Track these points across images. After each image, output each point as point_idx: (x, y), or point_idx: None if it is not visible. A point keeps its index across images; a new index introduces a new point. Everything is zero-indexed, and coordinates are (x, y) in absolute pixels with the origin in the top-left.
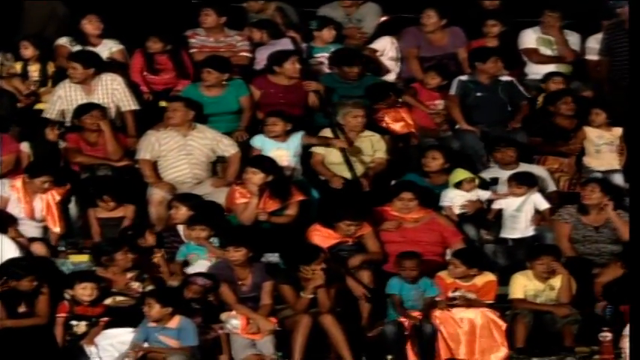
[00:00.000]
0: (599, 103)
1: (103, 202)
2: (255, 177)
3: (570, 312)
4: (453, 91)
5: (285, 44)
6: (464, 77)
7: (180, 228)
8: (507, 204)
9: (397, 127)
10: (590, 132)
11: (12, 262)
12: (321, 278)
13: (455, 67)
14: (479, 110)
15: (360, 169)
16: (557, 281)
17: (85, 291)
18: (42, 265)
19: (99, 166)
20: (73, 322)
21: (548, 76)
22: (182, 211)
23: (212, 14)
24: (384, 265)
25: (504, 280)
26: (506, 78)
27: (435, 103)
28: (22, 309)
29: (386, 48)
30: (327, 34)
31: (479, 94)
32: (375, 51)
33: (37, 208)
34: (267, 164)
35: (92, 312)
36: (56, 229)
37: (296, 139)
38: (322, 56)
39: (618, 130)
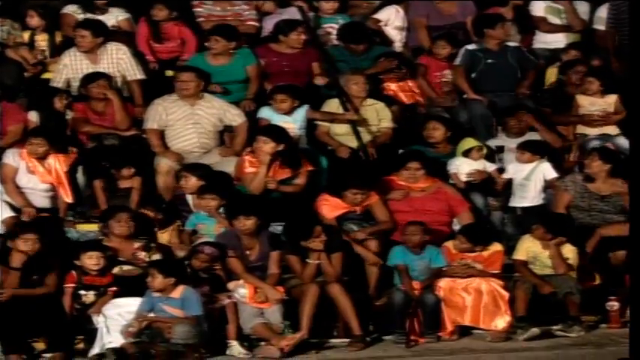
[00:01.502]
0: (597, 73)
1: (121, 172)
2: (267, 146)
3: (565, 280)
4: (458, 61)
5: (292, 13)
6: (471, 46)
7: (189, 198)
8: (516, 172)
9: (404, 97)
10: (583, 99)
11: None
12: (320, 247)
13: (464, 36)
14: (489, 77)
15: (366, 139)
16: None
17: (91, 260)
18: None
19: (106, 135)
20: (82, 292)
21: (566, 47)
22: (192, 181)
23: None
24: (391, 235)
25: (512, 250)
26: (513, 44)
27: (444, 73)
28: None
29: (391, 17)
30: (328, 4)
31: (489, 60)
32: (378, 21)
33: (44, 176)
34: (278, 133)
35: (100, 281)
36: (67, 198)
37: (301, 112)
38: (330, 26)
39: (612, 97)
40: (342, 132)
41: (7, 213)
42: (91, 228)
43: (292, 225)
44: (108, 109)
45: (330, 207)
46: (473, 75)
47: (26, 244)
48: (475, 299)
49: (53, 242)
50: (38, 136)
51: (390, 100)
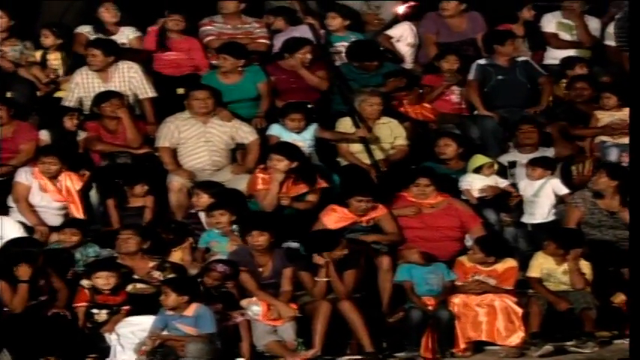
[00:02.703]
0: (613, 88)
1: (134, 189)
2: (281, 164)
3: (583, 296)
4: (472, 75)
5: (303, 31)
6: (482, 61)
7: (202, 215)
8: (525, 189)
9: (415, 113)
10: (602, 115)
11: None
12: (329, 264)
13: (474, 52)
14: (500, 93)
15: (379, 156)
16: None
17: (100, 280)
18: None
19: (118, 153)
20: (94, 311)
21: (572, 61)
22: (204, 199)
23: (232, 0)
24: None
25: (526, 266)
26: (522, 58)
27: (453, 89)
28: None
29: (404, 34)
30: (335, 22)
31: (499, 77)
32: (390, 37)
33: (56, 194)
34: (292, 151)
35: (113, 300)
36: (79, 214)
37: (311, 130)
38: (342, 45)
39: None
40: (356, 150)
41: (20, 232)
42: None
43: (313, 236)
44: (120, 128)
45: (335, 217)
46: (485, 89)
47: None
48: (489, 315)
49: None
50: (50, 155)
51: (402, 117)
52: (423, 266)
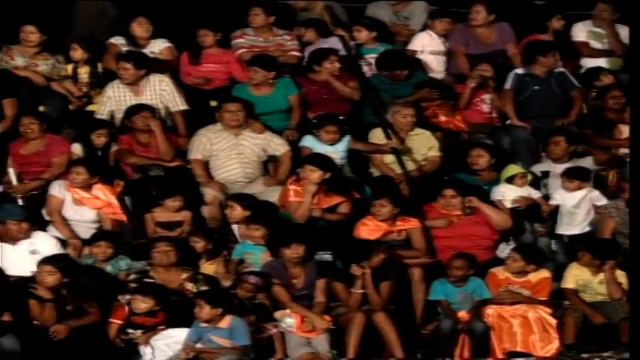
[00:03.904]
0: None
1: (168, 201)
2: (314, 174)
3: (620, 306)
4: (508, 85)
5: (333, 43)
6: (520, 70)
7: (235, 227)
8: (564, 200)
9: (447, 124)
10: (625, 128)
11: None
12: (366, 275)
13: (504, 62)
14: (534, 103)
15: (411, 167)
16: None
17: (139, 303)
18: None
19: (151, 166)
20: (129, 330)
21: (598, 70)
22: (237, 211)
23: (261, 14)
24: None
25: (561, 277)
26: (558, 69)
27: (483, 98)
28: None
29: (424, 43)
30: (362, 34)
31: (535, 87)
32: (414, 52)
33: (93, 202)
34: (325, 162)
35: (150, 322)
36: (122, 218)
37: (344, 142)
38: (371, 57)
39: None
40: (389, 161)
41: (55, 246)
42: None
43: (349, 246)
44: (152, 140)
45: (367, 230)
46: (519, 99)
47: (49, 277)
48: (523, 326)
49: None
50: (77, 165)
51: (434, 128)
52: (457, 287)
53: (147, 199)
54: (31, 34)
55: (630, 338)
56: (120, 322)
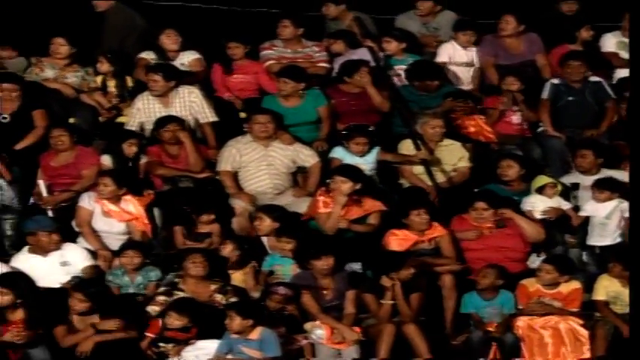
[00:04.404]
0: None
1: (201, 217)
2: (344, 186)
3: None
4: (545, 94)
5: (362, 54)
6: (556, 80)
7: (264, 239)
8: (595, 211)
9: (477, 135)
10: None
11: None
12: (396, 285)
13: (533, 73)
14: (568, 114)
15: (441, 179)
16: None
17: (173, 320)
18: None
19: (180, 178)
20: (161, 344)
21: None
22: (266, 223)
23: (289, 25)
24: (468, 275)
25: (592, 287)
26: (594, 79)
27: (514, 110)
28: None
29: (449, 53)
30: (391, 45)
31: (570, 98)
32: (443, 63)
33: (121, 215)
34: (355, 173)
35: (182, 336)
36: (148, 232)
37: (373, 153)
38: (400, 68)
39: None
40: (419, 172)
41: (86, 257)
42: None
43: (380, 257)
44: (181, 152)
45: (397, 240)
46: (555, 107)
47: (80, 304)
48: (555, 337)
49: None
50: (104, 176)
51: (464, 138)
52: (487, 300)
53: (176, 212)
54: (61, 46)
55: (630, 338)
56: (152, 335)
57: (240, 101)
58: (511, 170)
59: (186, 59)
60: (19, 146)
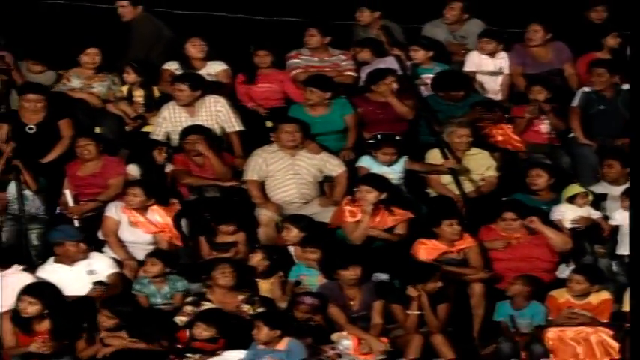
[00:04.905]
0: None
1: (223, 227)
2: (370, 195)
3: None
4: (575, 102)
5: (390, 62)
6: (587, 88)
7: (291, 248)
8: (626, 220)
9: (504, 144)
10: None
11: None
12: (423, 296)
13: (560, 82)
14: (599, 122)
15: (468, 188)
16: None
17: (201, 331)
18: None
19: (207, 187)
20: (188, 354)
21: None
22: (293, 233)
23: (316, 34)
24: (497, 284)
25: (621, 298)
26: (627, 87)
27: (542, 119)
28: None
29: (475, 62)
30: (419, 54)
31: (601, 106)
32: (471, 72)
33: (148, 226)
34: (380, 182)
35: (210, 347)
36: (177, 242)
37: (401, 162)
38: (427, 77)
39: None
40: (446, 181)
41: (112, 266)
42: None
43: (407, 267)
44: (207, 161)
45: (425, 250)
46: (585, 116)
47: (108, 320)
48: (585, 348)
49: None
50: (134, 186)
51: (491, 148)
52: (518, 309)
53: (202, 221)
54: (96, 56)
55: (630, 338)
56: (180, 345)
57: (265, 110)
58: (540, 179)
59: (213, 69)
60: (47, 159)
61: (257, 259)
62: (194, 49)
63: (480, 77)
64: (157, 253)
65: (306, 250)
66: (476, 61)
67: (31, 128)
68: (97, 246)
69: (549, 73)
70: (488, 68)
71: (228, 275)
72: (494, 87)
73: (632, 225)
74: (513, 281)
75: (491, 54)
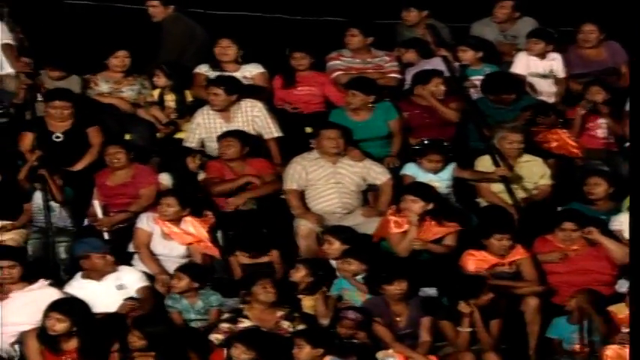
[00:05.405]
0: None
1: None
2: (415, 205)
3: None
4: (628, 106)
5: (436, 64)
6: None
7: (334, 262)
8: None
9: (560, 149)
10: None
11: None
12: (475, 311)
13: (616, 83)
14: None
15: (521, 196)
16: None
17: (239, 353)
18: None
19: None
20: None
21: None
22: (335, 245)
23: (358, 35)
24: (552, 298)
25: None
26: None
27: (598, 123)
28: None
29: (524, 65)
30: (467, 55)
31: None
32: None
33: (183, 237)
34: (426, 192)
35: None
36: (214, 254)
37: (448, 170)
38: (477, 79)
39: None
40: (497, 189)
41: (143, 281)
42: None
43: (455, 282)
44: (246, 168)
45: (476, 261)
46: None
47: (138, 341)
48: None
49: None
50: (168, 196)
51: (546, 154)
52: (576, 325)
53: (238, 235)
54: (126, 58)
55: (630, 337)
56: None
57: (305, 115)
58: (599, 188)
59: (249, 72)
60: (76, 167)
61: (300, 275)
62: (225, 50)
63: (530, 78)
64: (183, 268)
65: (347, 263)
66: (524, 63)
67: (58, 137)
68: (127, 259)
69: (601, 73)
70: (538, 70)
71: (270, 291)
72: (546, 89)
73: (632, 225)
74: (573, 295)
75: (541, 55)
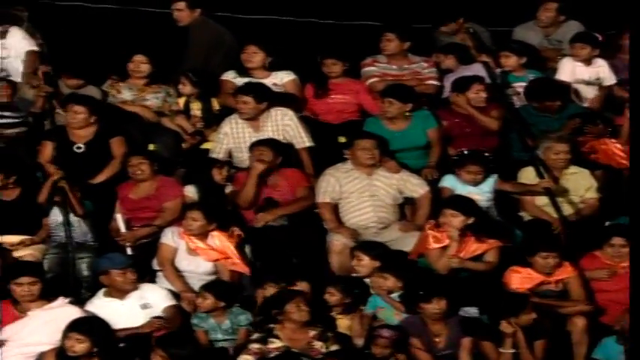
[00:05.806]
0: None
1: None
2: (455, 220)
3: None
4: None
5: (476, 70)
6: None
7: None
8: None
9: (608, 160)
10: None
11: None
12: (518, 331)
13: None
14: None
15: (568, 211)
16: None
17: None
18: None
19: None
20: None
21: None
22: (364, 262)
23: (394, 39)
24: (601, 317)
25: None
26: None
27: None
28: None
29: (569, 70)
30: (510, 61)
31: None
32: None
33: (209, 253)
34: (467, 205)
35: None
36: (244, 270)
37: (489, 182)
38: (520, 85)
39: None
40: (542, 203)
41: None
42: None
43: (496, 300)
44: (281, 180)
45: (518, 279)
46: None
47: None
48: None
49: None
50: (193, 210)
51: (593, 165)
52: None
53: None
54: (142, 64)
55: (631, 337)
56: None
57: (338, 124)
58: None
59: (280, 79)
60: (97, 179)
61: (335, 299)
62: (252, 57)
63: (574, 86)
64: (208, 286)
65: (383, 278)
66: (570, 69)
67: (79, 147)
68: (151, 276)
69: None
70: (583, 77)
71: (303, 309)
72: (591, 96)
73: (632, 226)
74: (622, 314)
75: (587, 61)
